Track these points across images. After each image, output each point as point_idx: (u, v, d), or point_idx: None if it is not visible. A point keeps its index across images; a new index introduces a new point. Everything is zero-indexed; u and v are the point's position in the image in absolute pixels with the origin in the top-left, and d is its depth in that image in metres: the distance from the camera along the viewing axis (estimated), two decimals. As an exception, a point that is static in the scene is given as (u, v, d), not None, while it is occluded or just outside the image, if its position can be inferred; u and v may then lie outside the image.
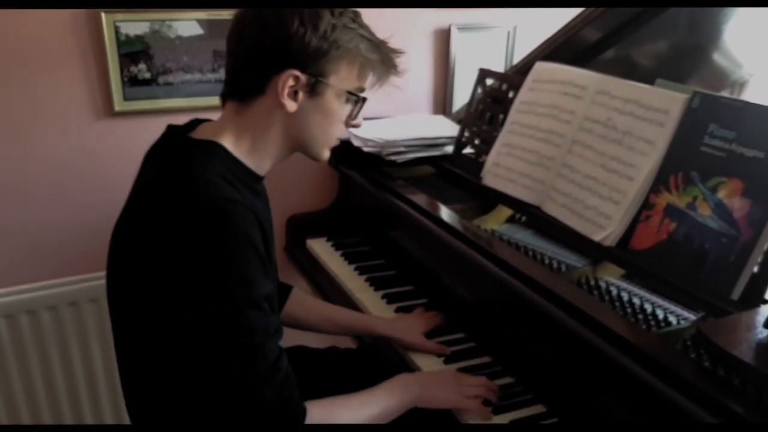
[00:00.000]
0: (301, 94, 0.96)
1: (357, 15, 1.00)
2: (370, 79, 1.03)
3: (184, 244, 0.86)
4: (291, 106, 0.96)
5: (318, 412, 0.97)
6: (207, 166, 0.92)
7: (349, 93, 1.00)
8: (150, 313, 0.92)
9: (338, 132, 1.04)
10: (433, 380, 1.13)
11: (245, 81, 0.97)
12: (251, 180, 1.00)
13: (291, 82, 0.94)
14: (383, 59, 1.01)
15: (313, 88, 0.96)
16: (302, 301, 1.35)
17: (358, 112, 1.05)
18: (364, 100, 1.03)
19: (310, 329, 1.35)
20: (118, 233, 0.98)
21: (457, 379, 1.13)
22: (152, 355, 0.95)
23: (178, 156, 0.94)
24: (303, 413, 0.93)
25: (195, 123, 1.05)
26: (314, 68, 0.95)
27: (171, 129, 1.03)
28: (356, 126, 1.06)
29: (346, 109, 1.02)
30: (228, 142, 0.98)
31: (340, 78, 0.98)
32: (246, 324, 0.87)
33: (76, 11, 1.56)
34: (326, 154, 1.06)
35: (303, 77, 0.94)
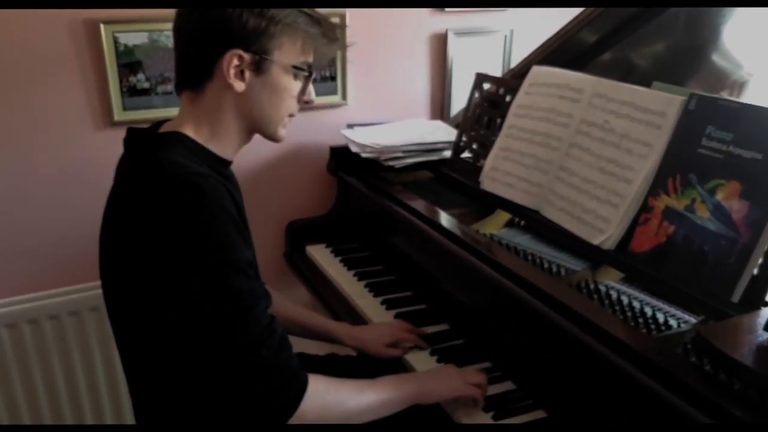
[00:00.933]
0: (247, 73, 0.98)
1: None
2: (316, 53, 1.04)
3: (162, 223, 0.88)
4: (239, 86, 0.97)
5: (323, 383, 0.97)
6: (173, 152, 0.94)
7: (295, 67, 1.01)
8: (142, 298, 0.94)
9: (290, 108, 1.05)
10: (433, 374, 1.14)
11: (192, 68, 0.99)
12: (218, 164, 1.02)
13: (235, 62, 0.96)
14: (324, 32, 1.03)
15: (259, 66, 0.98)
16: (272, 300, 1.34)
17: (306, 86, 1.05)
18: (311, 74, 1.05)
19: None
20: (104, 237, 1.00)
21: (457, 370, 1.14)
22: (152, 342, 0.97)
23: (144, 149, 0.97)
24: (305, 378, 0.94)
25: (159, 124, 1.07)
26: (256, 46, 0.96)
27: (131, 131, 1.05)
28: (309, 102, 1.08)
29: (296, 85, 1.04)
30: (189, 131, 1.00)
31: (283, 53, 0.99)
32: (231, 287, 0.88)
33: (74, 22, 1.57)
34: (282, 133, 1.07)
35: (246, 56, 0.96)
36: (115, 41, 1.61)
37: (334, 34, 1.05)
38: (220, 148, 1.03)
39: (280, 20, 0.97)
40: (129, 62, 1.64)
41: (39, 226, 1.68)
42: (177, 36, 1.00)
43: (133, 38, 1.62)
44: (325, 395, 0.96)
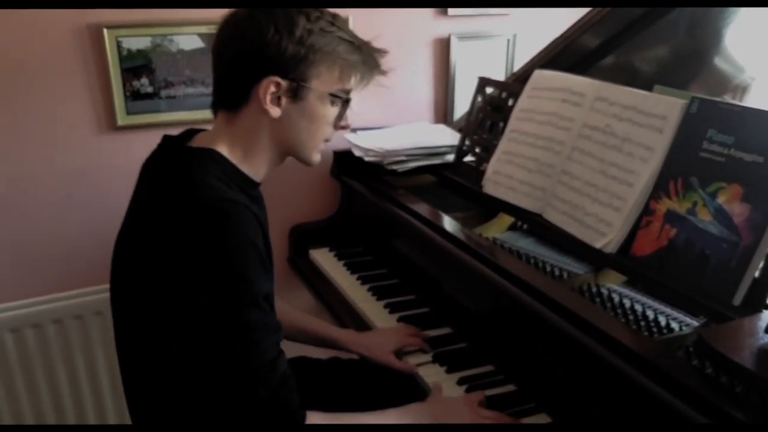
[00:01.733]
0: (284, 100, 0.98)
1: (335, 17, 1.01)
2: (355, 79, 1.04)
3: (186, 244, 0.88)
4: (275, 112, 0.98)
5: (319, 421, 0.96)
6: (206, 171, 0.94)
7: (332, 95, 1.01)
8: (152, 313, 0.93)
9: (326, 134, 1.05)
10: (443, 408, 1.10)
11: (229, 90, 1.00)
12: (248, 186, 1.02)
13: (272, 89, 0.96)
14: (364, 60, 1.02)
15: (296, 93, 0.98)
16: (276, 307, 1.33)
17: (344, 113, 1.05)
18: (348, 101, 1.04)
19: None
20: (122, 242, 1.00)
21: (470, 406, 1.10)
22: (153, 355, 0.97)
23: (178, 164, 0.97)
24: (302, 419, 0.93)
25: (191, 133, 1.07)
26: (294, 73, 0.96)
27: (167, 139, 1.06)
28: (345, 128, 1.08)
29: (332, 111, 1.03)
30: (223, 150, 1.00)
31: (321, 81, 0.99)
32: (244, 320, 0.88)
33: (78, 27, 1.58)
34: (317, 158, 1.07)
35: (284, 83, 0.96)
36: (119, 45, 1.62)
37: (375, 61, 1.04)
38: (251, 169, 1.03)
39: (319, 48, 0.97)
40: (132, 66, 1.65)
41: (42, 230, 1.69)
42: (216, 58, 1.01)
43: (137, 43, 1.63)
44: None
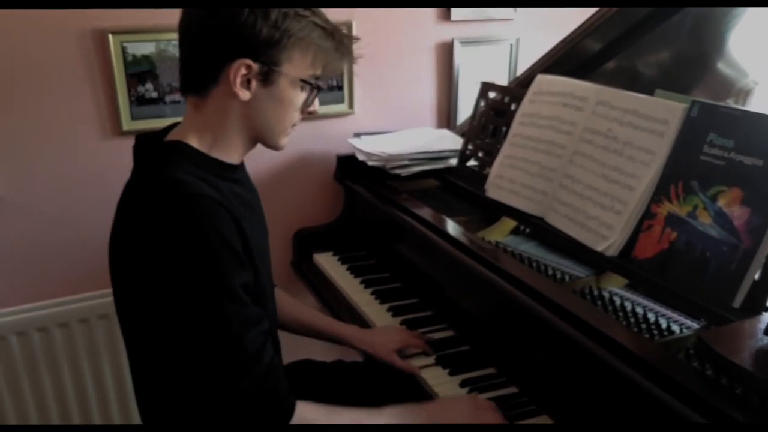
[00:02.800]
0: (254, 83, 0.96)
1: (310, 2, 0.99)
2: (326, 66, 1.02)
3: (155, 243, 0.88)
4: (244, 95, 0.96)
5: (312, 411, 0.97)
6: (175, 166, 0.94)
7: (303, 81, 1.00)
8: (138, 313, 0.96)
9: (293, 119, 1.04)
10: (442, 408, 1.10)
11: (198, 71, 0.97)
12: (224, 170, 1.01)
13: (243, 71, 0.94)
14: (337, 46, 1.01)
15: (266, 77, 0.96)
16: (280, 301, 1.33)
17: (313, 99, 1.04)
18: (318, 87, 1.03)
19: (285, 330, 1.34)
20: (111, 245, 1.01)
21: (471, 407, 1.09)
22: (149, 352, 0.99)
23: (146, 162, 0.98)
24: (291, 406, 0.93)
25: (171, 127, 1.06)
26: (266, 57, 0.94)
27: (139, 138, 1.05)
28: (312, 113, 1.06)
29: (301, 96, 1.02)
30: (193, 140, 0.99)
31: (293, 66, 0.97)
32: (220, 315, 0.88)
33: (83, 32, 1.59)
34: (284, 142, 1.06)
35: (255, 66, 0.94)
36: (124, 51, 1.63)
37: (346, 49, 1.03)
38: (224, 154, 1.02)
39: (293, 33, 0.95)
40: (137, 72, 1.66)
41: (48, 235, 1.70)
42: (184, 36, 0.98)
43: (142, 48, 1.65)
44: (312, 424, 0.96)
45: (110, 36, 1.61)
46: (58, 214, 1.70)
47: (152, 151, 1.00)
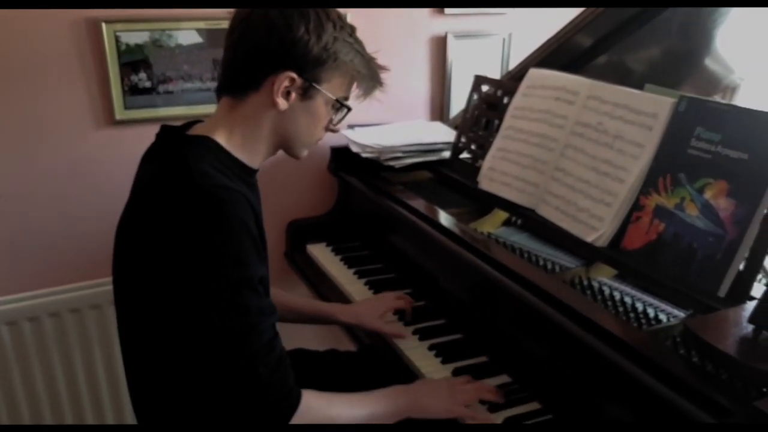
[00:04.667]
0: (293, 95, 1.01)
1: (354, 30, 1.06)
2: (358, 90, 1.10)
3: (182, 230, 0.90)
4: (282, 104, 1.00)
5: (315, 399, 1.00)
6: (201, 158, 0.96)
7: (337, 101, 1.06)
8: (153, 301, 0.96)
9: (320, 135, 1.10)
10: (426, 390, 1.14)
11: (243, 76, 1.01)
12: (244, 173, 1.04)
13: (286, 83, 0.99)
14: (372, 75, 1.08)
15: (306, 92, 1.02)
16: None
17: (341, 119, 1.11)
18: (349, 109, 1.09)
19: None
20: (122, 232, 1.02)
21: (450, 388, 1.13)
22: (155, 343, 0.99)
23: (173, 152, 0.99)
24: (298, 395, 0.96)
25: (191, 124, 1.09)
26: (310, 74, 1.00)
27: (164, 129, 1.08)
28: (335, 131, 1.13)
29: (330, 114, 1.08)
30: (221, 137, 1.02)
31: (331, 86, 1.04)
32: (240, 302, 0.91)
33: (76, 21, 1.59)
34: (305, 153, 1.12)
35: (298, 80, 1.00)
36: (117, 40, 1.63)
37: (379, 78, 1.10)
38: (248, 157, 1.05)
39: (339, 58, 1.01)
40: (131, 61, 1.66)
41: (40, 224, 1.70)
42: (236, 40, 1.01)
43: (135, 37, 1.65)
44: (316, 412, 0.99)
45: (103, 25, 1.60)
46: (50, 204, 1.69)
47: (178, 142, 1.02)
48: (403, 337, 1.31)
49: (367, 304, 1.39)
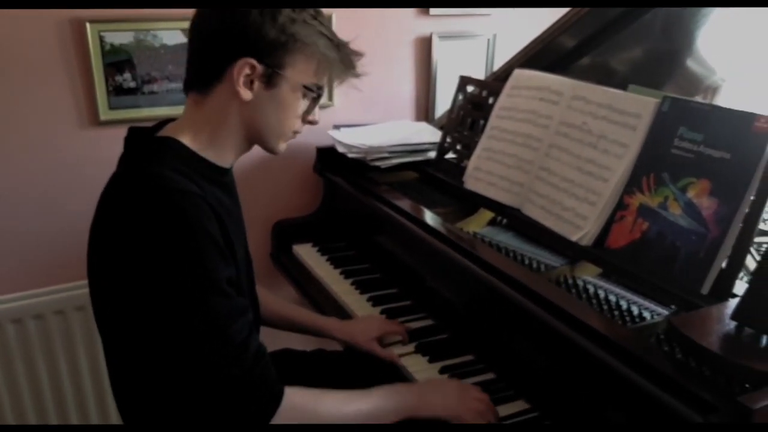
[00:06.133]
0: (256, 84, 0.98)
1: (318, 13, 1.02)
2: (329, 76, 1.05)
3: (140, 238, 0.89)
4: (246, 94, 0.97)
5: (300, 397, 0.98)
6: (161, 162, 0.94)
7: (305, 87, 1.02)
8: (120, 307, 0.95)
9: (294, 126, 1.06)
10: (432, 388, 1.12)
11: (203, 67, 0.99)
12: (213, 172, 1.02)
13: (247, 71, 0.96)
14: (342, 58, 1.03)
15: (269, 79, 0.98)
16: (261, 298, 1.32)
17: (313, 107, 1.06)
18: (319, 96, 1.05)
19: (267, 326, 1.36)
20: (90, 237, 1.00)
21: (462, 392, 1.11)
22: (128, 348, 0.98)
23: (135, 155, 0.98)
24: (280, 392, 0.95)
25: (162, 124, 1.07)
26: (271, 59, 0.97)
27: (131, 131, 1.05)
28: (312, 123, 1.08)
29: (303, 104, 1.04)
30: (186, 137, 1.00)
31: (296, 71, 0.99)
32: (207, 308, 0.89)
33: (60, 21, 1.58)
34: (282, 147, 1.08)
35: (259, 67, 0.96)
36: (101, 40, 1.62)
37: (351, 62, 1.05)
38: (217, 155, 1.03)
39: (299, 39, 0.97)
40: (115, 61, 1.65)
41: (23, 225, 1.68)
42: (193, 34, 1.00)
43: (120, 37, 1.64)
44: (301, 409, 0.97)
45: (88, 25, 1.59)
46: (34, 205, 1.68)
47: (142, 145, 1.00)
48: (395, 361, 1.28)
49: (362, 324, 1.36)
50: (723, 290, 1.02)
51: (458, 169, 1.60)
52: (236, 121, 1.01)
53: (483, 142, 1.53)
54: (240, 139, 1.04)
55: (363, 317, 1.42)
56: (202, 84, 1.00)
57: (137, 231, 0.89)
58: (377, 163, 1.70)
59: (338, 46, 1.03)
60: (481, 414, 1.08)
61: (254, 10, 0.94)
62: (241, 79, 0.96)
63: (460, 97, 1.69)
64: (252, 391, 0.92)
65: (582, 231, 1.23)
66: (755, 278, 0.93)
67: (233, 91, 0.97)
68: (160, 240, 0.88)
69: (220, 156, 1.03)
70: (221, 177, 1.05)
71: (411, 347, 1.31)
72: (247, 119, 1.01)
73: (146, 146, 0.99)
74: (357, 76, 1.07)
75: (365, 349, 1.30)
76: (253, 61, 0.96)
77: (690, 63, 1.85)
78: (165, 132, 1.02)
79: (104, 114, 1.67)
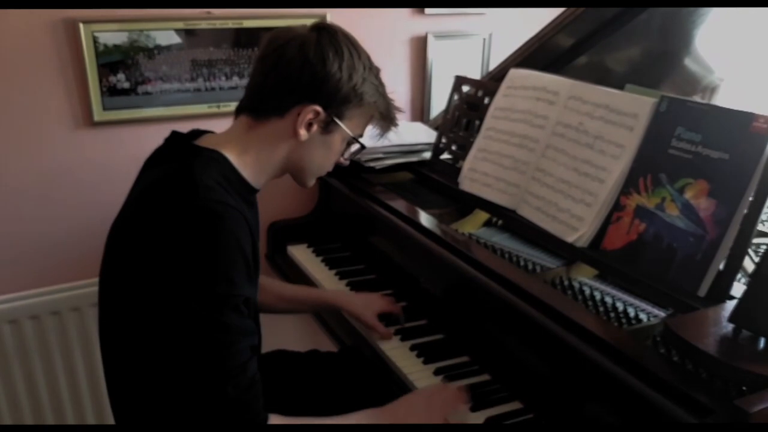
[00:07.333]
0: (315, 127, 1.03)
1: (379, 72, 1.09)
2: (373, 129, 1.15)
3: (176, 241, 0.89)
4: (304, 135, 1.03)
5: (279, 422, 0.97)
6: (208, 172, 0.96)
7: (354, 138, 1.10)
8: (136, 306, 0.95)
9: (330, 167, 1.14)
10: (404, 412, 1.09)
11: (270, 103, 1.02)
12: (246, 191, 1.04)
13: (311, 116, 1.01)
14: (390, 117, 1.13)
15: (327, 126, 1.04)
16: (260, 283, 1.33)
17: (354, 154, 1.16)
18: (363, 146, 1.13)
19: (268, 310, 1.36)
20: (116, 233, 1.00)
21: (427, 401, 1.09)
22: (133, 347, 0.98)
23: (181, 160, 0.98)
24: (264, 420, 0.95)
25: (196, 133, 1.09)
26: (335, 110, 1.03)
27: (175, 135, 1.08)
28: (343, 164, 1.17)
29: (343, 148, 1.12)
30: (231, 153, 1.02)
31: (352, 123, 1.07)
32: (221, 320, 0.90)
33: (53, 21, 1.57)
34: (312, 183, 1.15)
35: (323, 114, 1.02)
36: (95, 41, 1.61)
37: (395, 120, 1.14)
38: (254, 177, 1.05)
39: (365, 99, 1.05)
40: (109, 62, 1.64)
41: (19, 226, 1.67)
42: (270, 67, 1.01)
43: (113, 38, 1.63)
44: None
45: (81, 25, 1.58)
46: (29, 206, 1.67)
47: (187, 151, 1.01)
48: (390, 338, 1.32)
49: (367, 299, 1.41)
50: (720, 292, 1.01)
51: (453, 169, 1.59)
52: (283, 154, 1.06)
53: (478, 143, 1.52)
54: (279, 168, 1.09)
55: (367, 294, 1.45)
56: (262, 113, 1.03)
57: (176, 233, 0.89)
58: (372, 164, 1.69)
59: (389, 105, 1.11)
60: (452, 407, 1.09)
61: (336, 63, 1.00)
62: (304, 122, 1.01)
63: (456, 97, 1.68)
64: (239, 415, 0.92)
65: (578, 232, 1.22)
66: (753, 280, 0.92)
67: (291, 129, 1.02)
68: (196, 246, 0.88)
69: (257, 178, 1.06)
70: (251, 196, 1.07)
71: (406, 348, 1.30)
72: (293, 155, 1.06)
73: (192, 153, 1.00)
74: (396, 127, 1.16)
75: (367, 323, 1.34)
76: (320, 109, 1.01)
77: (688, 62, 1.84)
78: (207, 143, 1.04)
79: (98, 115, 1.66)
